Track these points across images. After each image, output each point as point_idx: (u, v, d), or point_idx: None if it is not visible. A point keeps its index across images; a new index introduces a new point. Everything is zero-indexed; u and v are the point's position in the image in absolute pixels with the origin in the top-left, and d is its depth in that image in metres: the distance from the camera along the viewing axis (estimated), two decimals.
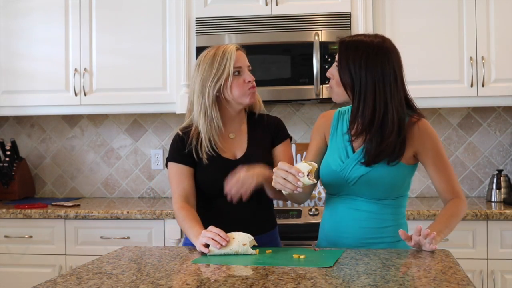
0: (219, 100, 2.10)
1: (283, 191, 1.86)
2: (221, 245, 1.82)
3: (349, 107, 2.07)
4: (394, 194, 1.98)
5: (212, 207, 2.12)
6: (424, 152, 1.97)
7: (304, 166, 1.81)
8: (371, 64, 1.89)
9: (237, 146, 2.15)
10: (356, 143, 1.99)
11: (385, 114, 1.89)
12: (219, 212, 2.10)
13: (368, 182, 1.94)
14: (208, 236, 1.84)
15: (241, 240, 1.83)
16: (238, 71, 2.08)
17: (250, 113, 2.22)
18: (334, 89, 1.97)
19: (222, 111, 2.12)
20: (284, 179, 1.80)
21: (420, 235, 1.81)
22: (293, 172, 1.79)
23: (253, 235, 1.97)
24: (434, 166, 1.98)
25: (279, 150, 2.18)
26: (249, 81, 2.09)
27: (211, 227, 1.89)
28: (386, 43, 1.94)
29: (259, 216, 2.15)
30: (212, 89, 2.06)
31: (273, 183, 1.85)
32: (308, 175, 1.80)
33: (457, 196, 2.00)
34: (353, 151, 1.99)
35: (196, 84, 2.10)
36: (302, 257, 1.75)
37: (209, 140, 2.08)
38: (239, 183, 1.94)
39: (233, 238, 1.84)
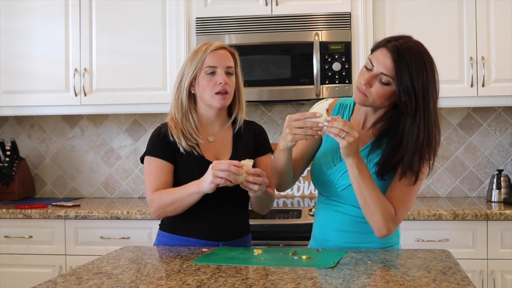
0: (196, 99, 2.08)
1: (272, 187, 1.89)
2: (239, 173, 1.82)
3: (352, 99, 1.96)
4: None
5: (192, 209, 1.98)
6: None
7: (321, 107, 1.74)
8: (431, 79, 1.78)
9: (221, 150, 2.09)
10: None
11: (431, 134, 1.77)
12: (199, 215, 2.02)
13: None
14: (223, 170, 1.82)
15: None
16: (212, 72, 2.02)
17: (234, 118, 2.15)
18: (371, 98, 1.78)
19: (199, 111, 2.09)
20: (300, 127, 1.73)
21: None
22: (308, 116, 1.73)
23: (230, 239, 2.02)
24: (401, 181, 1.81)
25: (262, 162, 2.12)
26: (220, 83, 2.00)
27: (217, 162, 1.86)
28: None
29: (238, 220, 2.09)
30: (188, 83, 2.05)
31: (290, 139, 1.77)
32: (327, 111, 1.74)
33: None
34: None
35: (178, 77, 2.10)
36: (304, 257, 1.75)
37: (189, 134, 2.04)
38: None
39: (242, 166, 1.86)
